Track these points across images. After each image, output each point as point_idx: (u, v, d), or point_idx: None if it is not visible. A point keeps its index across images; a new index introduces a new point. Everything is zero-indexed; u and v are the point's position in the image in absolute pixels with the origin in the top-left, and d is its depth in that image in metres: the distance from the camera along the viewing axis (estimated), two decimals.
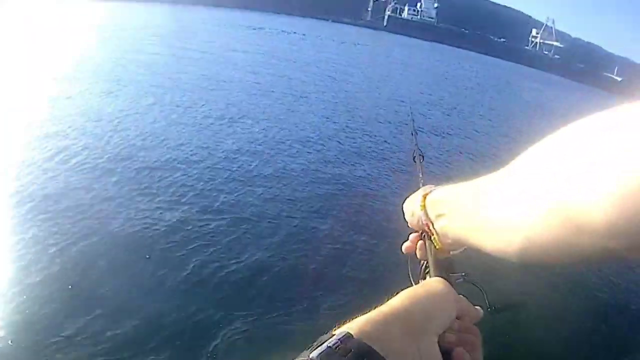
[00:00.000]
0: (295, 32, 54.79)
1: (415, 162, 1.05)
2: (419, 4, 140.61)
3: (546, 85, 64.10)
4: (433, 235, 0.74)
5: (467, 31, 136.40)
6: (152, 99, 13.27)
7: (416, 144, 1.12)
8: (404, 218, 0.81)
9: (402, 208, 0.80)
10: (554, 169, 0.46)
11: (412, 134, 1.26)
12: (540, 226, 0.46)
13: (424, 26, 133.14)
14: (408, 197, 0.81)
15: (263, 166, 9.43)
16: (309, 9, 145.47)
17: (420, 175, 0.96)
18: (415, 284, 0.69)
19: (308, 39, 49.29)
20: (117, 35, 27.56)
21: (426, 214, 0.74)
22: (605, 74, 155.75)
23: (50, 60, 17.35)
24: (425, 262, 0.71)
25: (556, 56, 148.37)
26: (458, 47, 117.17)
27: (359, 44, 58.93)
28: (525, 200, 0.49)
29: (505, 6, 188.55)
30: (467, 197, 0.64)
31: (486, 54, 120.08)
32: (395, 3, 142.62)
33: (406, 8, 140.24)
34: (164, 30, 36.03)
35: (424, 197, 0.76)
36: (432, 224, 0.74)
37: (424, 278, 0.70)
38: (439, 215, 0.71)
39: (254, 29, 51.40)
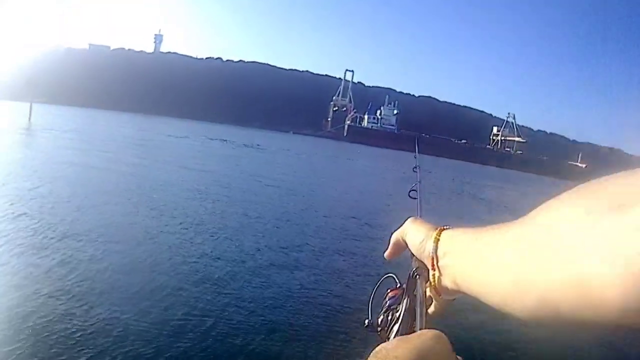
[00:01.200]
0: (257, 145, 55.84)
1: (410, 197, 1.07)
2: (378, 112, 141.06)
3: (505, 182, 63.04)
4: (435, 272, 0.71)
5: (428, 136, 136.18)
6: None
7: (418, 179, 1.14)
8: (391, 243, 0.79)
9: (395, 234, 0.78)
10: (574, 235, 0.44)
11: (415, 169, 1.26)
12: (556, 292, 0.45)
13: (385, 134, 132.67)
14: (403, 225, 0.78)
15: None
16: (270, 121, 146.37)
17: (419, 207, 0.97)
18: (377, 319, 0.65)
19: (267, 152, 49.69)
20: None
21: (436, 248, 0.71)
22: (569, 162, 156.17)
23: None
24: (407, 301, 0.66)
25: (518, 151, 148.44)
26: (420, 152, 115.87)
27: (317, 154, 59.35)
28: (543, 262, 0.47)
29: (465, 107, 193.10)
30: (483, 243, 0.61)
31: (449, 157, 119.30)
32: (355, 112, 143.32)
33: (366, 117, 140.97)
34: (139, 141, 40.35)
35: (440, 230, 0.73)
36: (437, 261, 0.71)
37: (396, 320, 0.63)
38: (446, 253, 0.69)
39: (221, 140, 55.29)
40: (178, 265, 8.69)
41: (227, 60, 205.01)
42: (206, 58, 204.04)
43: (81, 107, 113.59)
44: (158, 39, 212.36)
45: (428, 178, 43.28)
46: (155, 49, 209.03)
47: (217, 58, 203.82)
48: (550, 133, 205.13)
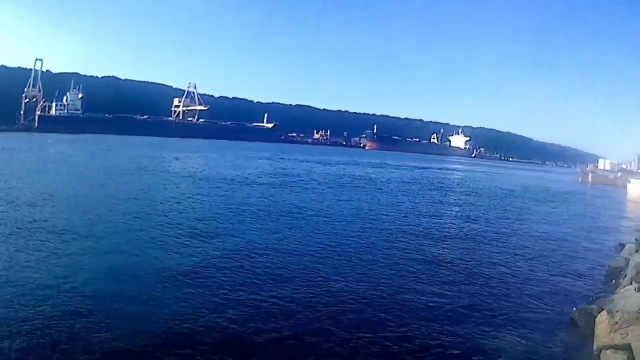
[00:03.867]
0: None
1: None
2: (65, 98, 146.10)
3: (186, 152, 72.07)
4: None
5: (111, 116, 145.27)
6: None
7: None
8: None
9: None
10: None
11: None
12: None
13: (72, 119, 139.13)
14: None
15: None
16: None
17: None
18: None
19: None
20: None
21: None
22: (255, 124, 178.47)
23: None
24: None
25: (201, 120, 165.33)
26: (105, 133, 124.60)
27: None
28: None
29: (146, 82, 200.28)
30: None
31: (132, 134, 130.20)
32: (44, 101, 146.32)
33: (54, 104, 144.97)
34: None
35: None
36: None
37: None
38: None
39: None
40: None
41: None
42: None
43: None
44: None
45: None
46: None
47: None
48: (233, 98, 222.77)
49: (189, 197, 25.52)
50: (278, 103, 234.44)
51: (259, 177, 37.87)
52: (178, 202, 23.72)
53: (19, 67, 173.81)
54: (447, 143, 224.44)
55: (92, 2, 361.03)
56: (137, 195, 25.30)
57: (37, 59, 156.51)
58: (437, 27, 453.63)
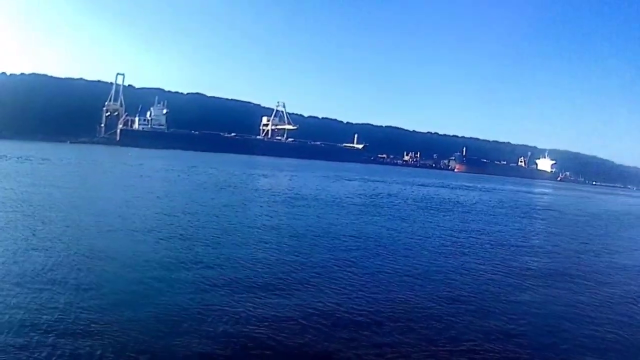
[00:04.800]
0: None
1: None
2: (148, 113, 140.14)
3: (276, 170, 66.95)
4: None
5: (196, 132, 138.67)
6: None
7: None
8: None
9: None
10: None
11: None
12: None
13: (155, 134, 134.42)
14: None
15: None
16: (49, 132, 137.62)
17: None
18: None
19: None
20: None
21: None
22: (344, 145, 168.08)
23: None
24: None
25: (290, 139, 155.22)
26: (190, 149, 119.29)
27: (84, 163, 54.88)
28: None
29: (233, 99, 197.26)
30: None
31: (218, 151, 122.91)
32: (126, 115, 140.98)
33: (137, 119, 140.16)
34: None
35: None
36: None
37: None
38: None
39: None
40: None
41: (2, 73, 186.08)
42: None
43: None
44: None
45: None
46: None
47: None
48: (323, 118, 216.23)
49: (282, 216, 22.80)
50: (368, 124, 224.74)
51: (348, 197, 35.48)
52: (271, 217, 21.61)
53: (99, 81, 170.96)
54: (534, 166, 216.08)
55: (177, 19, 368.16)
56: (233, 213, 21.99)
57: (118, 74, 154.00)
58: (527, 50, 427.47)
